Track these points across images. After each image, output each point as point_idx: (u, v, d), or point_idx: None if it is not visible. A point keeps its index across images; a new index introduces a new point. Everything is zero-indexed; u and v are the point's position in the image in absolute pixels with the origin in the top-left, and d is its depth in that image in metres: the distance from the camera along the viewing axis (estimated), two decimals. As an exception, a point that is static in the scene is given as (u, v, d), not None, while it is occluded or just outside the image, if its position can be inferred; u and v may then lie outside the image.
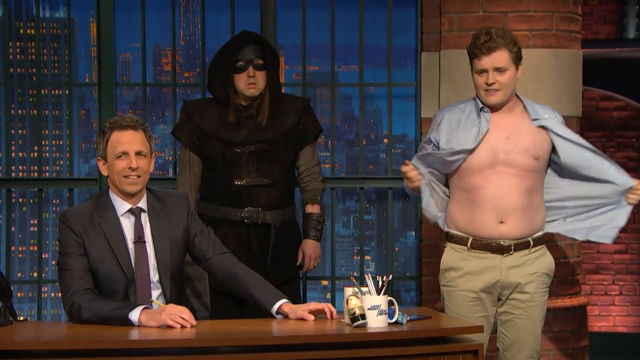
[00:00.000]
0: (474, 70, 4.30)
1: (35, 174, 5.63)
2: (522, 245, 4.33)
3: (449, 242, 4.42)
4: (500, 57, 4.25)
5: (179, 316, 3.59)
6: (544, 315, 4.42)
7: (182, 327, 3.58)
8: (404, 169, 4.35)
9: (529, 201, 4.30)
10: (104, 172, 3.90)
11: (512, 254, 4.31)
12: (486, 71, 4.26)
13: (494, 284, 4.34)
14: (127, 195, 3.87)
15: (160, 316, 3.59)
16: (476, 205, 4.31)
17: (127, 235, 3.87)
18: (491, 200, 4.29)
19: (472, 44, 4.30)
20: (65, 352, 3.36)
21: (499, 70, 4.25)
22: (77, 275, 3.77)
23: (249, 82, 4.75)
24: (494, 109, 4.34)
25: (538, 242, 4.37)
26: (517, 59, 4.29)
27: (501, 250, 4.31)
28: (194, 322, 3.63)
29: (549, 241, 4.86)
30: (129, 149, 3.83)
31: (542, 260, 4.38)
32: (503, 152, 4.29)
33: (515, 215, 4.29)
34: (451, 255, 4.41)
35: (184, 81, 5.78)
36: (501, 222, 4.29)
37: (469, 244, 4.35)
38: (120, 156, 3.83)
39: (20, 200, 5.73)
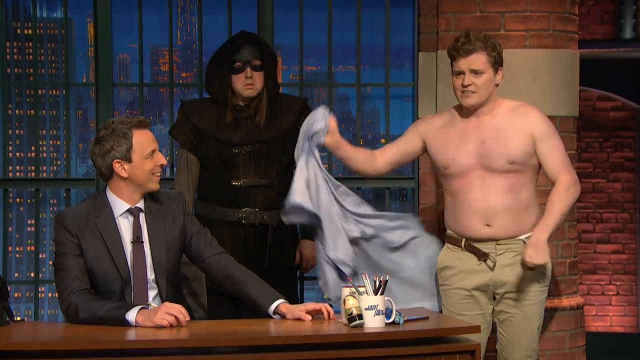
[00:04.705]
0: (452, 72, 4.31)
1: (33, 174, 5.62)
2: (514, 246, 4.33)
3: (447, 242, 4.45)
4: (477, 59, 4.25)
5: (169, 313, 3.59)
6: (542, 314, 4.41)
7: (172, 325, 3.58)
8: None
9: (515, 200, 4.29)
10: (124, 174, 3.81)
11: (504, 253, 4.31)
12: (463, 73, 4.26)
13: (486, 283, 4.34)
14: (139, 194, 3.86)
15: (155, 316, 3.60)
16: (462, 208, 4.34)
17: (125, 236, 3.86)
18: (474, 203, 4.30)
19: (451, 46, 4.31)
20: (62, 352, 3.36)
21: (475, 72, 4.25)
22: (74, 275, 3.76)
23: (247, 83, 4.75)
24: (472, 112, 4.34)
25: None
26: (495, 63, 4.28)
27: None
28: (187, 318, 3.63)
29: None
30: (155, 147, 3.86)
31: (537, 259, 4.37)
32: (480, 156, 4.30)
33: (501, 216, 4.28)
34: (447, 254, 4.43)
35: (181, 81, 5.78)
36: (487, 225, 4.30)
37: (462, 244, 4.36)
38: (151, 155, 3.84)
39: (18, 200, 5.73)
